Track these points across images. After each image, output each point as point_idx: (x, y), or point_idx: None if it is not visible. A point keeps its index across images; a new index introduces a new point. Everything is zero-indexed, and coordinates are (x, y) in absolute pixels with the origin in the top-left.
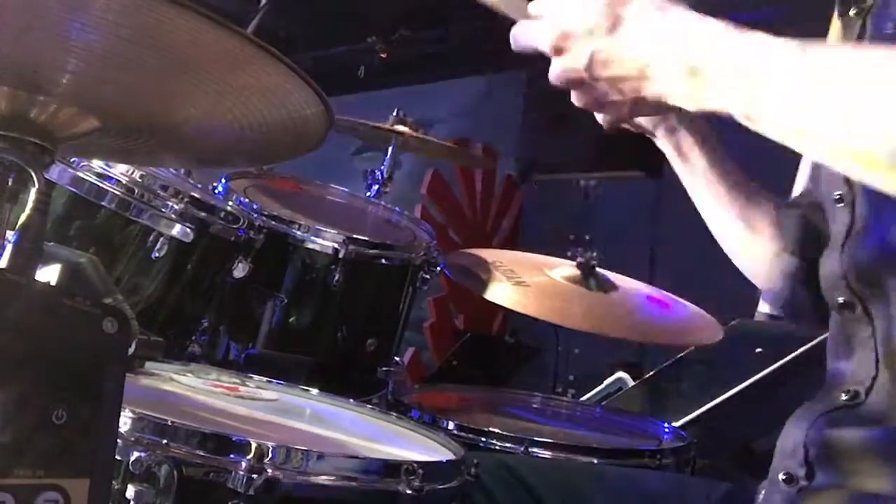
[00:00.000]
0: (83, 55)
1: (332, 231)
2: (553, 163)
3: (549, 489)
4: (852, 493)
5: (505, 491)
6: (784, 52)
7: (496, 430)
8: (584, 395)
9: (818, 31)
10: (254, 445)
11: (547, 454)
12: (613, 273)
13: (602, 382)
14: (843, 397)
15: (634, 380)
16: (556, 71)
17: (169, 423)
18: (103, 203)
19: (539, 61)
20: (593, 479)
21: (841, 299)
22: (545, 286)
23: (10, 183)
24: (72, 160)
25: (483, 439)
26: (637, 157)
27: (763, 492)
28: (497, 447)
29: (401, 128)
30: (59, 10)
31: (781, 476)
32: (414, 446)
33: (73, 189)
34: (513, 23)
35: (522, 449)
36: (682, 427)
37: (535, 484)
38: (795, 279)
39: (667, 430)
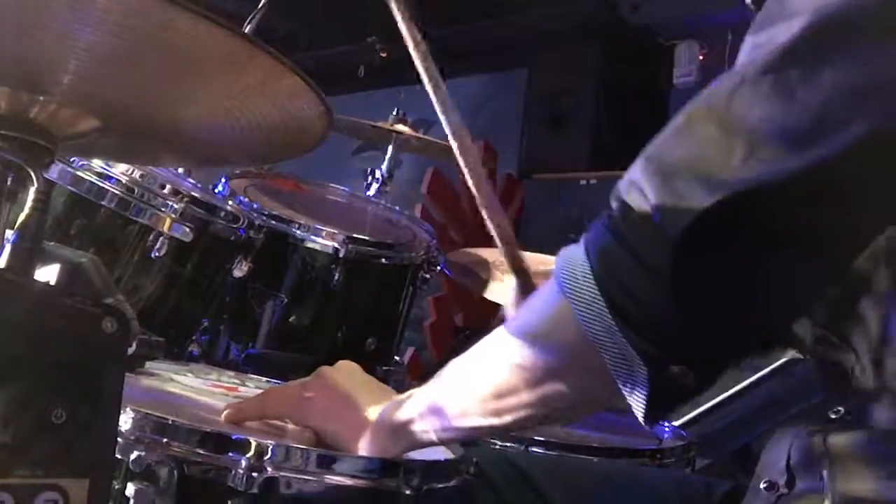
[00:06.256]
0: (84, 55)
1: (332, 230)
2: (553, 163)
3: (551, 484)
4: (834, 497)
5: (509, 486)
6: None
7: None
8: None
9: None
10: (253, 444)
11: (547, 453)
12: None
13: None
14: (843, 412)
15: None
16: None
17: (169, 421)
18: (103, 203)
19: (539, 61)
20: (595, 475)
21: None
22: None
23: (9, 182)
24: (72, 160)
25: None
26: (636, 157)
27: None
28: (497, 446)
29: (401, 128)
30: (61, 10)
31: (763, 484)
32: None
33: (73, 188)
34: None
35: (522, 448)
36: (682, 427)
37: (537, 479)
38: None
39: (667, 429)
